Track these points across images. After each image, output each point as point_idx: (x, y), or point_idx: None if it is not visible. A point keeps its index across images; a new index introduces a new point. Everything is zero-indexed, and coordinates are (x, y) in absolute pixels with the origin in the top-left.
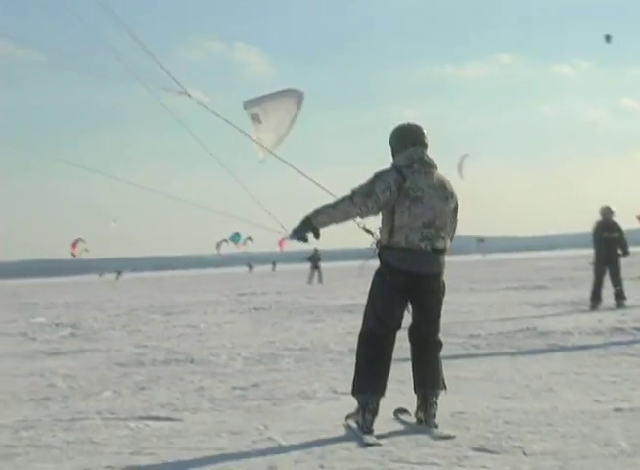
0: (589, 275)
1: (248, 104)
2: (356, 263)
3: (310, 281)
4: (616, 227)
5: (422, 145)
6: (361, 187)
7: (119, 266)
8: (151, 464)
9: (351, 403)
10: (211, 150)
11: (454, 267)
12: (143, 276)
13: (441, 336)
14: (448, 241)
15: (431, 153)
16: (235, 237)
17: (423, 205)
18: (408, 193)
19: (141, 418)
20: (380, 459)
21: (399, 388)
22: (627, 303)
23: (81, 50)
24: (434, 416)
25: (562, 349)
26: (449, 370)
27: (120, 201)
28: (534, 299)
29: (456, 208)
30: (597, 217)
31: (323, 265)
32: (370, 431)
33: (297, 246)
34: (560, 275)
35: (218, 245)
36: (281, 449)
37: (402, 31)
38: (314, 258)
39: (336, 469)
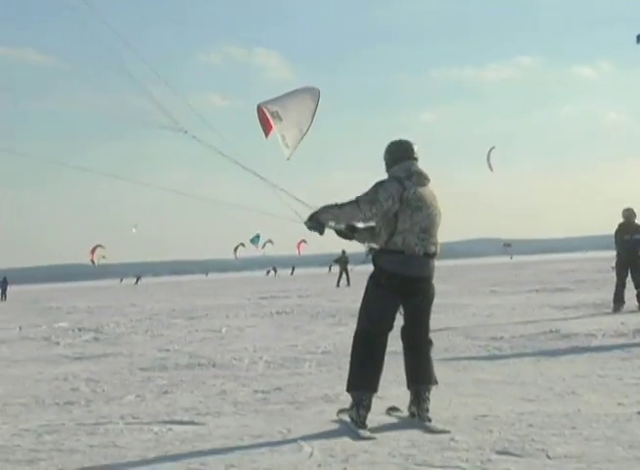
0: (611, 277)
1: (263, 103)
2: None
3: (338, 284)
4: (638, 229)
5: (415, 159)
6: (366, 195)
7: (139, 271)
8: (174, 468)
9: (374, 407)
10: (233, 152)
11: (475, 270)
12: (163, 280)
13: (431, 336)
14: (438, 247)
15: (448, 156)
16: (255, 239)
17: (422, 213)
18: (410, 202)
19: (164, 422)
20: (403, 462)
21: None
22: None
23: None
24: (427, 410)
25: (585, 351)
26: (471, 373)
27: (141, 206)
28: (557, 301)
29: (440, 219)
30: (619, 219)
31: (350, 268)
32: (364, 425)
33: (319, 249)
34: (582, 277)
35: (235, 249)
36: (304, 453)
37: (421, 35)
38: (342, 261)
39: None
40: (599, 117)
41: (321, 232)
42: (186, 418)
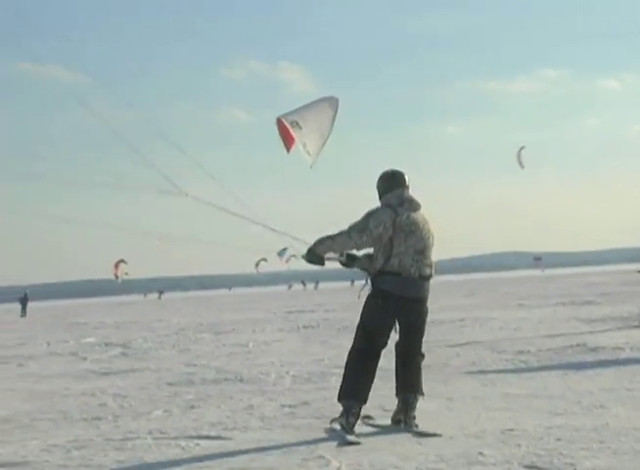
0: (638, 290)
1: (282, 115)
2: None
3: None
4: None
5: (406, 187)
6: (356, 224)
7: (164, 286)
8: None
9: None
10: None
11: (503, 284)
12: (189, 295)
13: (424, 350)
14: (433, 269)
15: (475, 169)
16: (282, 252)
17: (416, 237)
18: (403, 227)
19: (192, 437)
20: None
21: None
22: None
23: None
24: (414, 418)
25: (613, 364)
26: (499, 387)
27: (167, 220)
28: (584, 314)
29: (433, 242)
30: None
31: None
32: (352, 432)
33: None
34: (610, 290)
35: (257, 264)
36: (331, 467)
37: (446, 48)
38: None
39: None
40: (624, 128)
41: (321, 264)
42: (213, 433)
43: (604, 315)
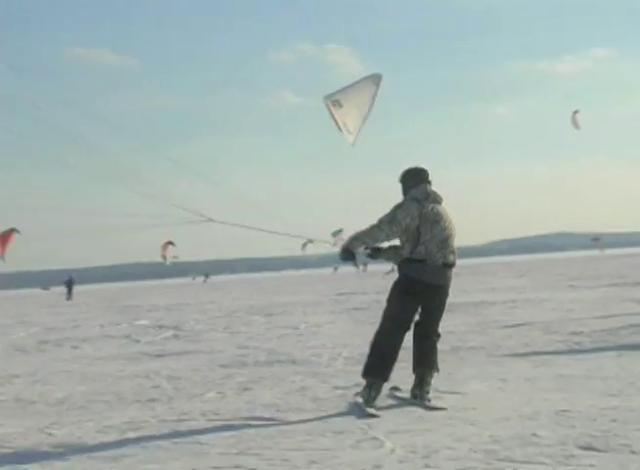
0: None
1: (328, 95)
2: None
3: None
4: None
5: (429, 183)
6: (385, 216)
7: (214, 268)
8: (256, 464)
9: (455, 402)
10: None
11: (553, 265)
12: (240, 278)
13: (440, 330)
14: (455, 257)
15: (524, 149)
16: (336, 232)
17: (440, 227)
18: (429, 218)
19: (245, 419)
20: (484, 458)
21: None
22: None
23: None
24: (428, 392)
25: None
26: (552, 368)
27: (217, 203)
28: (637, 295)
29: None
30: None
31: None
32: (373, 406)
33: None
34: None
35: (304, 246)
36: (385, 449)
37: (494, 28)
38: None
39: (441, 468)
40: None
41: (353, 259)
42: (267, 415)
43: None
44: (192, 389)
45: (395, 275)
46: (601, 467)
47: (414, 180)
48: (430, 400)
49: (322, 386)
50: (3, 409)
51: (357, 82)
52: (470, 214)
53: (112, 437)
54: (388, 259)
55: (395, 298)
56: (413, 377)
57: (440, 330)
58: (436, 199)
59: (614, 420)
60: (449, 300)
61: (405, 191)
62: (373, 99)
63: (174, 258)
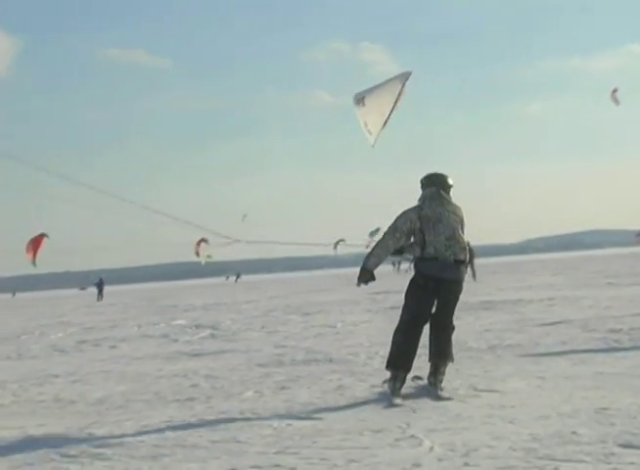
0: None
1: (357, 94)
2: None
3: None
4: None
5: (436, 186)
6: (388, 227)
7: (250, 267)
8: (295, 463)
9: (493, 401)
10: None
11: (589, 262)
12: (276, 277)
13: (455, 321)
14: (467, 254)
15: (558, 147)
16: (373, 232)
17: (443, 224)
18: (430, 218)
19: (283, 418)
20: (524, 456)
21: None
22: None
23: None
24: (441, 381)
25: None
26: (590, 366)
27: (254, 202)
28: None
29: (463, 227)
30: None
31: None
32: (398, 395)
33: None
34: None
35: (336, 244)
36: (424, 447)
37: (526, 25)
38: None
39: (481, 467)
40: None
41: (373, 279)
42: (304, 413)
43: None
44: (230, 388)
45: (412, 273)
46: None
47: (426, 184)
48: (442, 389)
49: (359, 384)
50: (43, 409)
51: (386, 81)
52: (506, 212)
53: (151, 436)
54: (408, 256)
55: (412, 293)
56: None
57: (455, 322)
58: (436, 200)
59: None
60: (486, 298)
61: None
62: (397, 98)
63: (208, 257)
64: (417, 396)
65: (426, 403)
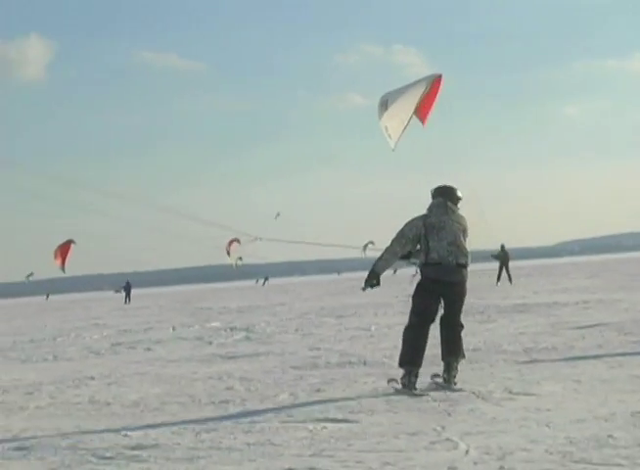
0: None
1: (383, 95)
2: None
3: (498, 280)
4: None
5: (443, 197)
6: (396, 234)
7: (283, 270)
8: (330, 465)
9: (529, 404)
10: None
11: (624, 265)
12: (310, 279)
13: (462, 319)
14: (469, 258)
15: (594, 149)
16: (365, 247)
17: (446, 231)
18: (434, 225)
19: (318, 420)
20: (561, 460)
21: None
22: None
23: None
24: (454, 377)
25: None
26: (627, 369)
27: (287, 204)
28: None
29: (465, 235)
30: None
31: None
32: (414, 389)
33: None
34: None
35: (365, 247)
36: (460, 450)
37: (560, 26)
38: (501, 256)
39: None
40: None
41: (378, 283)
42: (340, 416)
43: None
44: (264, 390)
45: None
46: None
47: (435, 195)
48: (456, 384)
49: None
50: (79, 411)
51: (413, 83)
52: (540, 215)
53: (186, 438)
54: (415, 260)
55: (419, 296)
56: (442, 364)
57: (463, 321)
58: (441, 209)
59: None
60: (521, 301)
61: None
62: (418, 101)
63: (239, 260)
64: (453, 400)
65: (461, 406)
